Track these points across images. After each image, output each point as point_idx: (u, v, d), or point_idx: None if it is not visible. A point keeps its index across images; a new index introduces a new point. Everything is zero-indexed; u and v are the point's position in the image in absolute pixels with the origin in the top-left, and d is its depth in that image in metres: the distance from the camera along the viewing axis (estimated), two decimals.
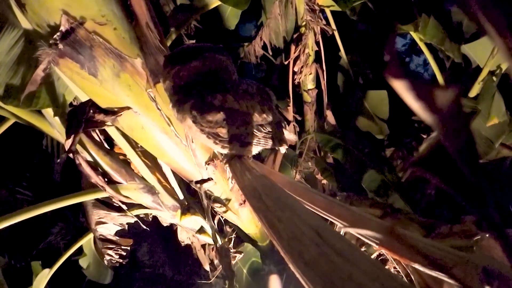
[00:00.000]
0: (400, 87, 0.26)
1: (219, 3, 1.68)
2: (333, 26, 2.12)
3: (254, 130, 0.67)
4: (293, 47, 2.16)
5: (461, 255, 0.34)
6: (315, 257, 0.33)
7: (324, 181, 2.49)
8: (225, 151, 0.69)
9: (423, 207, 2.77)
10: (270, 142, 0.73)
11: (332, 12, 2.09)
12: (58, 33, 0.63)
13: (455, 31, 2.10)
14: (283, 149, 0.77)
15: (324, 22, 2.00)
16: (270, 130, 0.71)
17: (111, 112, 0.82)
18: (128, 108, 0.81)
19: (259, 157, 2.72)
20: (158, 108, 0.84)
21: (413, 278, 0.51)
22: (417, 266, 0.36)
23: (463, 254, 0.34)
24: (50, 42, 0.64)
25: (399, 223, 0.63)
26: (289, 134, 0.86)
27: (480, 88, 2.00)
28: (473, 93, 2.04)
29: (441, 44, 1.82)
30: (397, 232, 0.39)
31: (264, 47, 2.45)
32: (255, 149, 0.72)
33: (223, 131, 0.64)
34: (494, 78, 1.97)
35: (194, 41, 2.36)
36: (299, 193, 0.50)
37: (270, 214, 0.41)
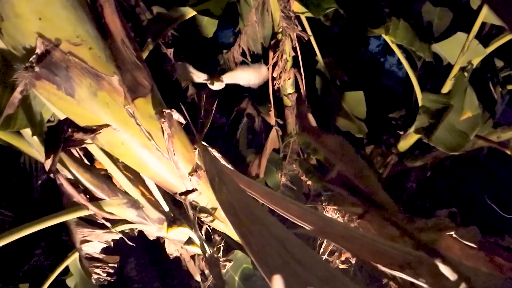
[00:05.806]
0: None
1: (195, 13, 1.69)
2: (309, 31, 2.17)
3: None
4: (271, 53, 2.19)
5: (416, 255, 0.38)
6: (279, 265, 0.38)
7: (309, 182, 2.53)
8: None
9: (404, 200, 2.86)
10: None
11: (307, 18, 2.14)
12: (34, 56, 0.63)
13: (425, 31, 2.18)
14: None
15: (299, 28, 2.04)
16: None
17: (90, 130, 0.81)
18: (107, 125, 0.81)
19: (243, 162, 2.73)
20: (138, 124, 0.85)
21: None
22: (378, 266, 0.39)
23: (419, 253, 0.38)
24: (26, 65, 0.64)
25: (376, 221, 0.66)
26: None
27: (452, 84, 2.08)
28: (445, 89, 2.12)
29: (411, 45, 1.89)
30: (359, 236, 0.43)
31: (243, 53, 2.48)
32: None
33: None
34: (466, 74, 2.05)
35: (172, 50, 2.37)
36: (275, 202, 0.53)
37: (243, 228, 0.44)
